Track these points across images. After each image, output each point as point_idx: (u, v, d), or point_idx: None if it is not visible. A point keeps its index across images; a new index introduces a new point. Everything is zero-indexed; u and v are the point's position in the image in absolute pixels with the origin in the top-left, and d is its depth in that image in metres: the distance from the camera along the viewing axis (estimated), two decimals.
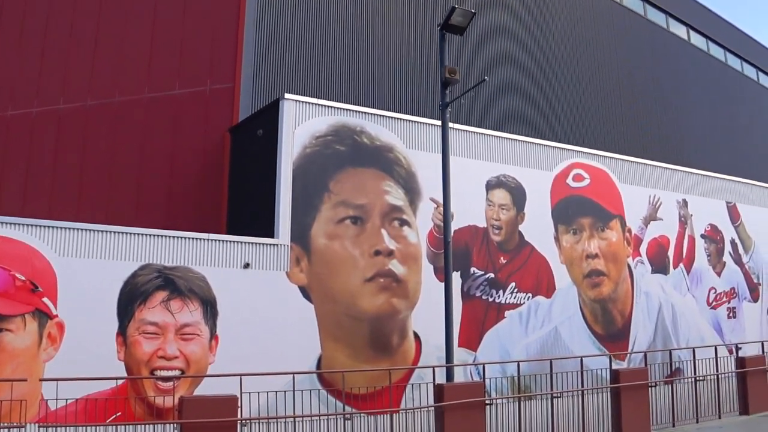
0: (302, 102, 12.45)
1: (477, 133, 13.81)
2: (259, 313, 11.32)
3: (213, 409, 8.68)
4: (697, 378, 13.04)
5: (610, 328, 14.59)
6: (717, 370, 13.40)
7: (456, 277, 12.99)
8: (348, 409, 11.28)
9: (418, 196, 12.89)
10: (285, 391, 10.41)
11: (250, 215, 13.26)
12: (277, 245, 11.82)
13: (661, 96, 21.53)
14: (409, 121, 13.18)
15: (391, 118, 13.04)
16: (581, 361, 11.79)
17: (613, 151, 16.37)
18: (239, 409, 8.93)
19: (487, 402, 10.71)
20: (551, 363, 11.30)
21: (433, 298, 12.58)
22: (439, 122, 13.58)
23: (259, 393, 9.68)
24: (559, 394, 11.58)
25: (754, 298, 17.85)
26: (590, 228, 14.61)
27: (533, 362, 13.16)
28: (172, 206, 13.98)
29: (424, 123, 13.42)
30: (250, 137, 13.68)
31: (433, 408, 10.32)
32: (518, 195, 13.96)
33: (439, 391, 10.39)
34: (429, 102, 14.71)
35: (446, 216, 11.50)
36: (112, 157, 14.21)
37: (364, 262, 12.16)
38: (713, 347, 13.74)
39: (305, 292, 11.75)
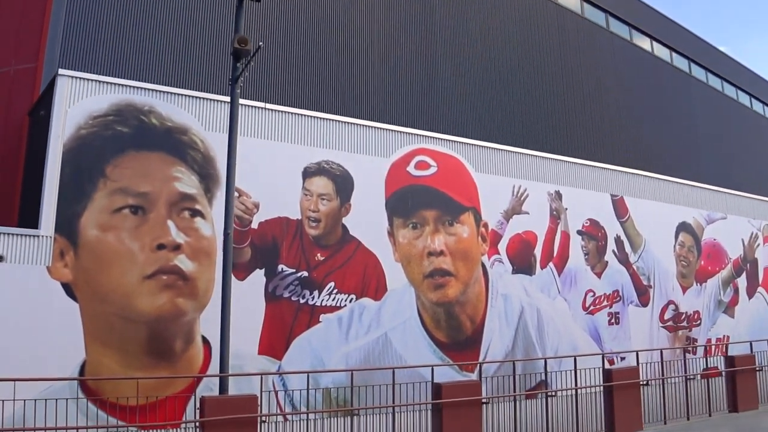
0: (79, 78, 11.73)
1: (295, 114, 13.10)
2: (14, 313, 10.47)
3: None
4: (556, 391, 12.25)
5: (457, 335, 13.74)
6: (577, 383, 12.59)
7: (260, 276, 12.19)
8: (114, 421, 10.44)
9: (217, 183, 12.10)
10: (38, 400, 9.53)
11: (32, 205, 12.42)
12: (38, 237, 10.99)
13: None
14: (209, 99, 12.46)
15: (187, 96, 12.31)
16: (435, 372, 10.81)
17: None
18: None
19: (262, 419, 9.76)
20: (394, 374, 10.36)
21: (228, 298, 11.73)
22: (248, 102, 12.91)
23: (13, 401, 8.97)
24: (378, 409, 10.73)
25: (643, 302, 17.02)
26: (435, 222, 13.80)
27: (357, 373, 12.30)
28: None
29: (227, 102, 12.59)
30: (39, 120, 12.89)
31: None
32: (343, 184, 13.17)
33: (201, 405, 9.60)
34: (247, 81, 13.87)
35: (229, 205, 10.78)
36: None
37: (144, 257, 11.34)
38: (592, 355, 13.03)
39: (69, 289, 10.90)
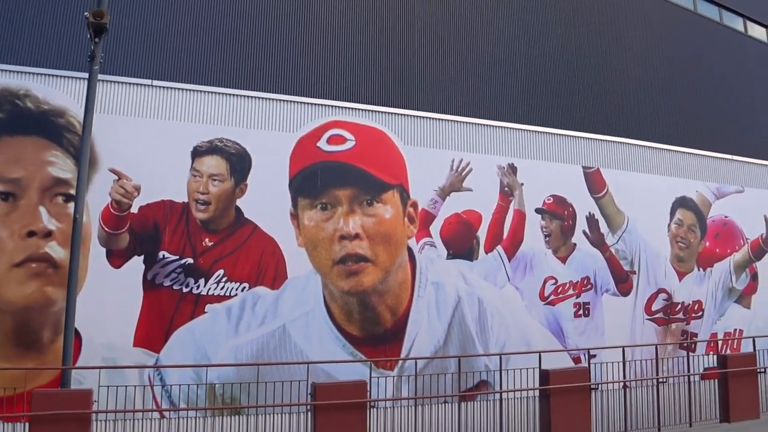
0: None
1: (184, 89, 12.79)
2: None
3: None
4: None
5: (373, 328, 13.04)
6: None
7: (138, 263, 12.04)
8: None
9: (94, 166, 12.09)
10: None
11: None
12: None
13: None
14: (87, 80, 12.23)
15: (65, 77, 12.27)
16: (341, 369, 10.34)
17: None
18: None
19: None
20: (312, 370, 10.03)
21: (102, 287, 11.84)
22: (132, 79, 12.73)
23: None
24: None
25: (623, 290, 15.37)
26: (350, 202, 13.09)
27: (248, 369, 11.95)
28: None
29: (114, 82, 12.47)
30: None
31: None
32: (239, 163, 12.77)
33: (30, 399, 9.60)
34: (132, 56, 13.54)
35: (80, 190, 10.64)
36: None
37: (14, 245, 11.56)
38: (542, 353, 12.00)
39: None
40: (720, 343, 16.15)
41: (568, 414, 12.55)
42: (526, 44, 16.31)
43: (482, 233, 14.30)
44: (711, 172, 17.19)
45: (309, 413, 11.25)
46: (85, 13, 10.13)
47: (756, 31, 21.38)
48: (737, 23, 21.13)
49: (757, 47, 21.62)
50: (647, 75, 18.11)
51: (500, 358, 12.46)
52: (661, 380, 13.90)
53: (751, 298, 17.15)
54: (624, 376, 14.03)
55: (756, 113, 19.47)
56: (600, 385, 14.02)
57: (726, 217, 17.08)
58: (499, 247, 14.36)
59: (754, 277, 17.24)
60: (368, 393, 11.64)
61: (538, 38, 16.57)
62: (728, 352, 16.16)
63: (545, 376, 12.62)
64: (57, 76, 12.38)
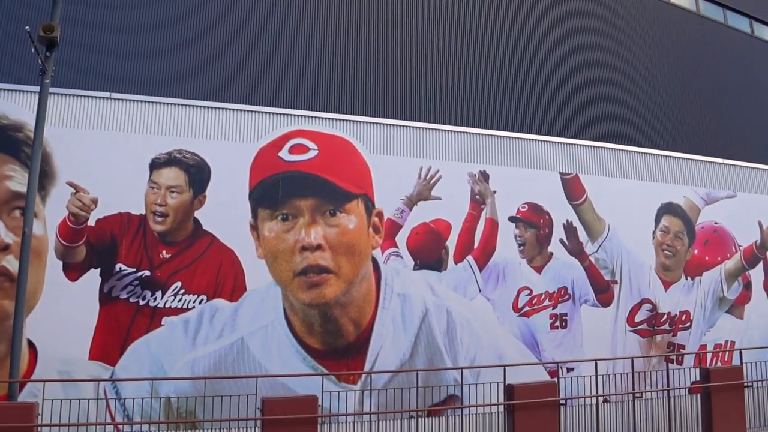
0: None
1: (144, 101, 12.89)
2: None
3: None
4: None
5: (335, 341, 12.96)
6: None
7: (95, 276, 12.17)
8: None
9: (52, 180, 12.33)
10: None
11: None
12: None
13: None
14: (52, 94, 12.47)
15: (25, 92, 12.44)
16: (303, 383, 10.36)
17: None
18: None
19: None
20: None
21: (59, 300, 12.00)
22: (91, 92, 12.92)
23: None
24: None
25: (603, 301, 14.97)
26: (312, 212, 13.06)
27: (203, 381, 12.00)
28: None
29: (72, 95, 12.68)
30: None
31: None
32: (198, 174, 12.87)
33: None
34: (85, 70, 13.67)
35: (29, 203, 10.75)
36: None
37: None
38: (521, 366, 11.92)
39: None
40: (710, 355, 15.63)
41: (535, 429, 12.30)
42: (499, 47, 16.03)
43: (452, 243, 14.12)
44: (701, 177, 16.68)
45: (257, 429, 11.26)
46: (26, 27, 10.31)
47: (755, 30, 20.61)
48: (740, 23, 20.42)
49: (746, 42, 20.71)
50: (634, 77, 17.58)
51: (461, 372, 12.26)
52: (636, 395, 13.51)
53: (744, 308, 16.57)
54: (598, 391, 13.72)
55: (754, 115, 18.76)
56: (573, 401, 13.71)
57: (716, 223, 16.55)
58: (469, 257, 14.16)
59: (747, 286, 16.64)
60: (320, 408, 11.59)
61: (511, 41, 16.27)
62: (719, 364, 15.64)
63: (510, 391, 12.39)
64: (15, 90, 12.65)
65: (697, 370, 14.64)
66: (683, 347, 15.45)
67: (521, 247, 14.58)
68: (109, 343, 12.21)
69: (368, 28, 14.86)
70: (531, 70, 15.86)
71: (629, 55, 17.65)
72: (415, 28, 15.06)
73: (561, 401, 12.63)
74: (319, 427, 12.41)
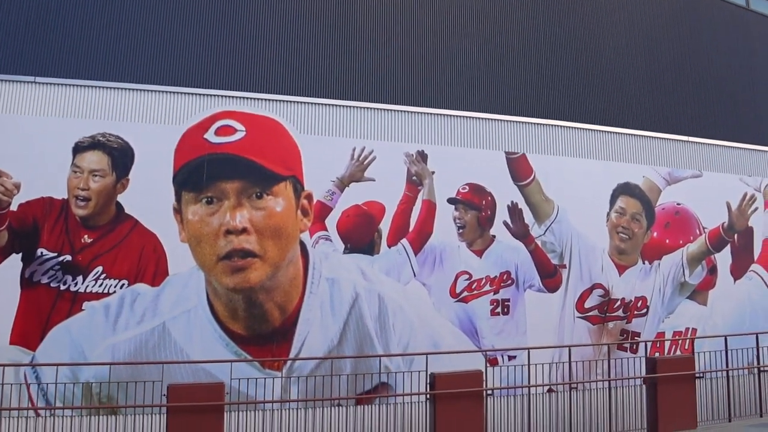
0: None
1: (68, 85, 13.03)
2: None
3: None
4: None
5: (260, 326, 13.04)
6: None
7: (17, 261, 12.49)
8: None
9: None
10: None
11: None
12: None
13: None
14: None
15: None
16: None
17: None
18: None
19: None
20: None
21: None
22: (14, 77, 13.12)
23: None
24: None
25: (550, 286, 14.60)
26: (238, 195, 13.09)
27: (126, 368, 12.23)
28: None
29: None
30: None
31: None
32: (121, 157, 13.04)
33: None
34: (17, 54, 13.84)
35: None
36: None
37: None
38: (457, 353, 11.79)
39: None
40: (669, 343, 15.09)
41: (458, 421, 12.14)
42: (436, 18, 15.42)
43: (385, 226, 13.95)
44: (663, 156, 15.97)
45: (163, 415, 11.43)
46: None
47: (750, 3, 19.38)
48: None
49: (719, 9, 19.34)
50: (591, 49, 16.67)
51: (391, 359, 12.12)
52: (573, 386, 13.17)
53: (707, 293, 15.90)
54: (537, 381, 13.45)
55: (727, 91, 17.68)
56: (515, 390, 13.47)
57: (678, 204, 15.86)
58: (404, 241, 13.97)
59: (712, 270, 15.96)
60: (227, 395, 11.68)
61: (451, 11, 15.61)
62: (678, 353, 15.08)
63: (432, 380, 12.24)
64: None
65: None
66: (638, 335, 14.96)
67: (461, 230, 14.30)
68: (30, 328, 12.54)
69: (295, 5, 14.63)
70: (471, 42, 15.30)
71: (588, 25, 16.80)
72: (342, 5, 14.75)
73: (488, 391, 12.41)
74: (235, 414, 12.60)
